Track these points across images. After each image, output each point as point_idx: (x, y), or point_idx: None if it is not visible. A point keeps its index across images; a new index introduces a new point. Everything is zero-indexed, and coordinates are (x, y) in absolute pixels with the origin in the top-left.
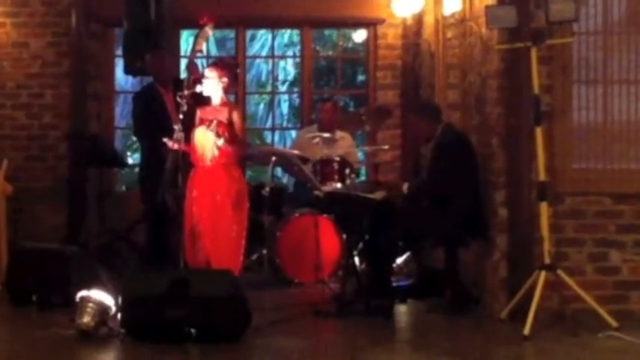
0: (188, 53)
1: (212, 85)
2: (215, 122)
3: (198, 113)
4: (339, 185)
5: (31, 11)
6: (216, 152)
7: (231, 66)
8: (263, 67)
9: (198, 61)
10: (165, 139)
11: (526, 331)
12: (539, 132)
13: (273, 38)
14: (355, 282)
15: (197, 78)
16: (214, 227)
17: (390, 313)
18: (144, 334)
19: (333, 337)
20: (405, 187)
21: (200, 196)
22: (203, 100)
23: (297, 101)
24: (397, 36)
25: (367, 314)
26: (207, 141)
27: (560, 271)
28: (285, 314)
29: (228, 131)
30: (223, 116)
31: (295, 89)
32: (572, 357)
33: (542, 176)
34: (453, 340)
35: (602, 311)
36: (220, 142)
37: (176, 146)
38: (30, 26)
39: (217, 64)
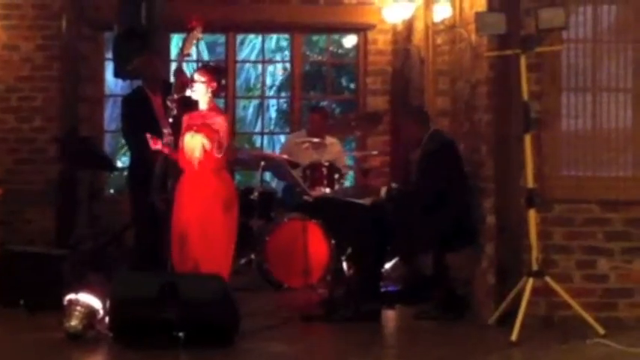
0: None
1: (201, 90)
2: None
3: (185, 119)
4: (327, 190)
5: (22, 14)
6: (201, 157)
7: (220, 71)
8: (251, 71)
9: (187, 65)
10: (148, 135)
11: (514, 337)
12: (528, 139)
13: (263, 43)
14: (344, 287)
15: (185, 82)
16: (205, 232)
17: (378, 318)
18: (132, 337)
19: (321, 342)
20: (384, 191)
21: (190, 202)
22: (191, 105)
23: (284, 106)
24: (387, 42)
25: (355, 319)
26: (194, 145)
27: (548, 278)
28: (273, 319)
29: (216, 137)
30: (210, 121)
31: (283, 94)
32: None
33: (530, 183)
34: (440, 345)
35: (589, 318)
36: (208, 145)
37: (158, 145)
38: (20, 29)
39: (207, 68)
